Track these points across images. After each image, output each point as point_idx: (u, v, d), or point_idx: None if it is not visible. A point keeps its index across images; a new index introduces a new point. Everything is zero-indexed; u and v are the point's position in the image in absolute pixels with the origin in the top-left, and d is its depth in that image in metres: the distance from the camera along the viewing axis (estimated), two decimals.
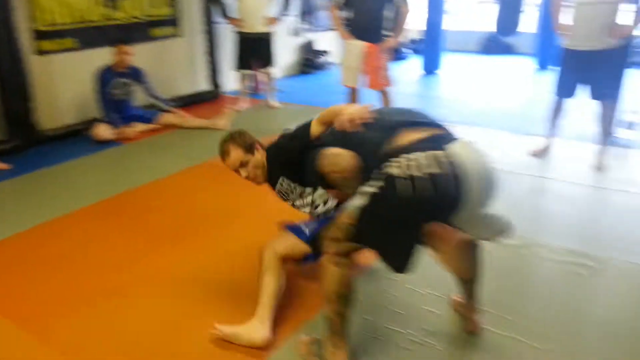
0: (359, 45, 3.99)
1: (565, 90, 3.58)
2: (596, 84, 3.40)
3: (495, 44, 8.41)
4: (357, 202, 1.59)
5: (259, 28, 4.99)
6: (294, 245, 2.08)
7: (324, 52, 7.38)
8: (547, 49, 7.01)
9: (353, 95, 4.31)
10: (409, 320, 1.98)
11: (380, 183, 1.53)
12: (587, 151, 3.71)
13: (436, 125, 1.67)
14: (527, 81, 6.61)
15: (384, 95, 4.16)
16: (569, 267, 2.32)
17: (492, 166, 1.56)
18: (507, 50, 8.36)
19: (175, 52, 5.51)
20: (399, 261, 1.61)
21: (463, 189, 1.47)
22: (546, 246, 2.48)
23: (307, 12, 7.26)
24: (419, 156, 1.48)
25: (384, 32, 3.99)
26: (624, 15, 3.27)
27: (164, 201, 3.16)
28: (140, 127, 4.47)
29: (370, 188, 1.55)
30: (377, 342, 1.88)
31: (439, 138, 1.57)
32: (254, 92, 5.93)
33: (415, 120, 1.69)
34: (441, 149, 1.50)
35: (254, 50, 5.09)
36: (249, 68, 5.22)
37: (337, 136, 1.78)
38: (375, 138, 1.64)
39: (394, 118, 1.73)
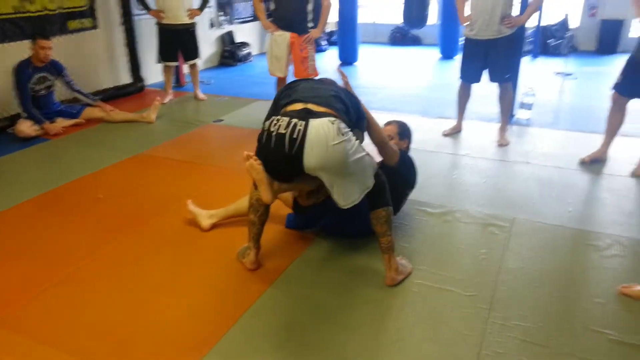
0: (285, 35, 4.18)
1: (469, 76, 4.02)
2: (495, 69, 3.86)
3: (403, 36, 8.95)
4: None
5: (182, 19, 5.00)
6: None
7: (244, 44, 7.47)
8: (449, 40, 7.65)
9: (281, 85, 4.49)
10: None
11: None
12: (491, 130, 4.21)
13: (325, 104, 2.06)
14: (433, 69, 7.16)
15: None
16: (485, 227, 2.70)
17: (337, 143, 1.94)
18: (415, 41, 8.94)
19: (93, 45, 5.36)
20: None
21: (298, 150, 1.93)
22: (465, 212, 2.86)
23: (225, 4, 7.30)
24: (283, 119, 1.98)
25: (308, 24, 4.21)
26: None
27: (105, 192, 3.17)
28: (64, 122, 4.35)
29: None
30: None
31: (311, 112, 2.00)
32: (177, 85, 5.94)
33: (307, 96, 2.11)
34: (304, 119, 1.95)
35: (178, 42, 5.11)
36: (173, 60, 5.22)
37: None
38: (280, 105, 2.15)
39: (300, 92, 2.16)
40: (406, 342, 1.90)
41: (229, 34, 7.36)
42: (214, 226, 2.71)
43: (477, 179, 3.33)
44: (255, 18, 8.08)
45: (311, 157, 1.95)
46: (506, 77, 3.87)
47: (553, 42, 7.75)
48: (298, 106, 2.07)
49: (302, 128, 1.95)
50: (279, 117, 2.03)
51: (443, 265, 2.36)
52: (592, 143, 3.81)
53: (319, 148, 1.94)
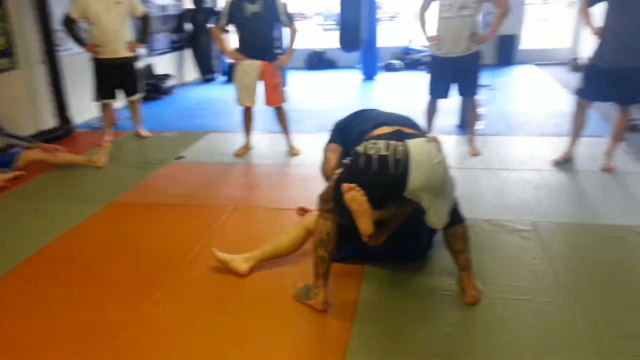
0: (255, 64, 4.03)
1: (438, 92, 4.19)
2: (465, 84, 4.07)
3: (319, 60, 9.13)
4: (339, 170, 2.08)
5: (121, 53, 4.59)
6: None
7: (166, 76, 7.06)
8: (370, 62, 7.96)
9: (247, 115, 4.31)
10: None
11: (351, 157, 2.02)
12: (456, 141, 4.41)
13: (408, 125, 2.11)
14: (361, 90, 7.36)
15: (279, 111, 4.26)
16: (515, 234, 2.78)
17: (439, 161, 1.95)
18: (331, 65, 9.16)
19: (12, 86, 4.70)
20: (350, 218, 1.96)
21: (403, 171, 1.89)
22: (489, 221, 2.91)
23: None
24: (380, 142, 1.94)
25: (276, 51, 4.10)
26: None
27: (96, 251, 2.74)
28: (2, 175, 3.72)
29: (346, 161, 2.06)
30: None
31: (403, 134, 2.01)
32: (112, 124, 5.43)
33: (392, 119, 2.15)
34: (401, 140, 1.94)
35: (117, 78, 4.66)
36: (111, 97, 4.75)
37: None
38: (363, 130, 2.14)
39: (382, 117, 2.21)
40: (521, 351, 1.87)
41: (149, 67, 6.93)
42: (251, 270, 2.47)
43: (476, 189, 3.44)
44: (173, 48, 7.72)
45: (417, 177, 1.89)
46: (474, 90, 4.09)
47: None
48: (387, 129, 2.01)
49: (403, 149, 1.88)
50: (374, 140, 1.94)
51: (503, 276, 2.38)
52: (550, 145, 4.16)
53: (424, 167, 1.89)
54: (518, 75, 7.89)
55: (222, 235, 2.88)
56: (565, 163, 3.81)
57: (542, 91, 6.69)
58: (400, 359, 1.89)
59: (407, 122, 2.21)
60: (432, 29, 4.04)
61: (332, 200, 2.05)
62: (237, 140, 4.59)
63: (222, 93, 7.23)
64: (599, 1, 3.55)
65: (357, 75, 8.15)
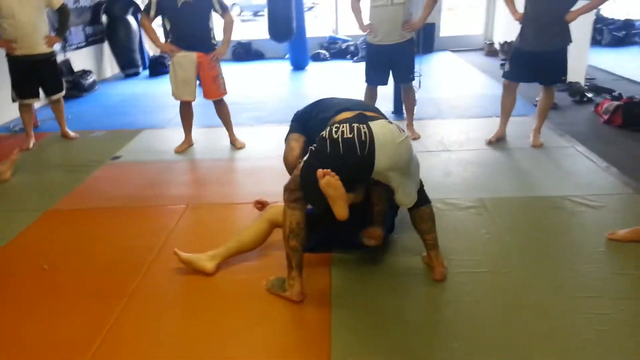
0: (190, 56, 3.89)
1: (375, 79, 4.28)
2: (400, 71, 4.20)
3: (246, 52, 8.97)
4: (305, 158, 2.06)
5: (39, 48, 4.24)
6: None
7: (86, 72, 6.63)
8: (299, 52, 7.95)
9: (187, 109, 4.17)
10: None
11: (316, 144, 2.03)
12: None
13: (369, 109, 2.17)
14: (293, 80, 7.35)
15: (220, 103, 4.16)
16: (466, 211, 2.93)
17: (402, 140, 2.01)
18: (258, 56, 9.04)
19: None
20: (323, 204, 1.97)
21: (370, 151, 1.92)
22: (441, 200, 3.01)
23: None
24: (344, 125, 1.97)
25: (212, 41, 3.99)
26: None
27: (45, 261, 2.55)
28: None
29: (312, 147, 2.05)
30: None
31: (365, 117, 2.05)
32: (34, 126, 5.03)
33: (353, 105, 2.23)
34: (364, 122, 1.98)
35: (36, 75, 4.32)
36: (32, 96, 4.39)
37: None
38: (325, 118, 2.19)
39: (342, 104, 2.26)
40: (490, 317, 1.99)
41: (66, 63, 6.47)
42: (218, 267, 2.42)
43: (421, 171, 3.54)
44: (90, 42, 7.26)
45: (383, 157, 1.94)
46: (410, 77, 4.23)
47: None
48: (349, 114, 2.05)
49: (366, 130, 1.93)
50: (337, 124, 1.96)
51: (462, 252, 2.50)
52: (481, 126, 4.42)
53: (388, 147, 1.94)
54: (439, 62, 8.23)
55: (180, 235, 2.79)
56: (498, 142, 4.06)
57: (464, 76, 7.04)
58: (382, 336, 1.94)
59: (367, 106, 2.27)
60: (366, 18, 4.13)
61: (300, 190, 2.05)
62: (175, 136, 4.43)
63: (148, 88, 6.92)
64: None
65: (286, 65, 8.13)
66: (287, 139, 2.57)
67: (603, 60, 6.95)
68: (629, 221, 2.62)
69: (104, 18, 7.55)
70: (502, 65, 7.28)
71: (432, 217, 2.24)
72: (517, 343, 1.88)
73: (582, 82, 5.56)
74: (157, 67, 7.70)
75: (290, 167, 2.48)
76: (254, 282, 2.29)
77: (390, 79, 4.29)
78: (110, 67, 7.91)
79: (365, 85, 4.35)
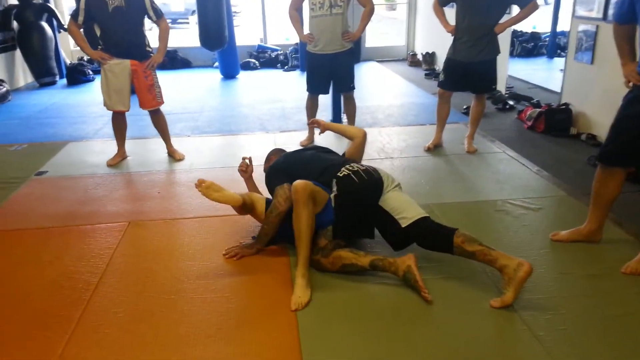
0: (124, 64, 3.69)
1: (317, 87, 4.30)
2: (341, 80, 4.24)
3: (172, 60, 8.66)
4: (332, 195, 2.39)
5: None
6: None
7: None
8: (230, 60, 7.81)
9: (120, 120, 3.93)
10: None
11: (338, 185, 2.39)
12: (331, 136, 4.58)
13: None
14: (225, 89, 7.20)
15: (156, 113, 3.97)
16: None
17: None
18: (185, 65, 8.76)
19: None
20: (368, 231, 2.48)
21: (379, 175, 2.48)
22: None
23: None
24: (349, 167, 2.47)
25: (147, 48, 3.80)
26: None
27: None
28: None
29: (334, 188, 2.39)
30: None
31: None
32: None
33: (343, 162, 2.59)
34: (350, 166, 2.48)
35: None
36: None
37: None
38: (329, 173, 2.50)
39: (333, 166, 2.55)
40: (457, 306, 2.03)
41: None
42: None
43: None
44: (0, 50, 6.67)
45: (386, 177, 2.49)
46: (351, 85, 4.28)
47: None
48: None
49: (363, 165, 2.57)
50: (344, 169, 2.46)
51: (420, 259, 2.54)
52: (418, 133, 4.57)
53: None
54: (367, 72, 8.43)
55: (124, 256, 2.60)
56: (435, 149, 4.20)
57: (392, 85, 7.26)
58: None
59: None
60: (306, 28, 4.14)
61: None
62: (106, 148, 4.17)
63: (68, 97, 6.47)
64: (450, 2, 3.97)
65: (216, 74, 7.95)
66: (279, 190, 2.44)
67: (517, 69, 7.46)
68: (568, 222, 2.79)
69: (14, 24, 6.99)
70: (427, 75, 7.68)
71: (470, 235, 2.28)
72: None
73: (503, 91, 5.92)
74: (75, 76, 7.24)
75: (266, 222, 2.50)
76: (216, 301, 2.19)
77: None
78: (24, 75, 7.33)
79: (306, 94, 4.36)
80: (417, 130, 4.77)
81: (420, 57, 8.67)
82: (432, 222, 2.33)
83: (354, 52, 4.25)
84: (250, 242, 2.60)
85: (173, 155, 4.05)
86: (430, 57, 8.34)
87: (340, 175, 2.42)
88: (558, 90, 5.11)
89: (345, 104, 4.44)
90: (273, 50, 8.96)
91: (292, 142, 4.39)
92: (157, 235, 2.83)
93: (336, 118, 5.09)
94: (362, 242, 2.61)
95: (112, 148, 4.05)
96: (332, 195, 2.38)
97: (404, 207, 2.37)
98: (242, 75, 8.05)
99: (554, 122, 4.64)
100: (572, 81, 4.76)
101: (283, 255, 2.55)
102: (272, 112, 5.56)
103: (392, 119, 5.29)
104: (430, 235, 2.30)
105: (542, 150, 4.20)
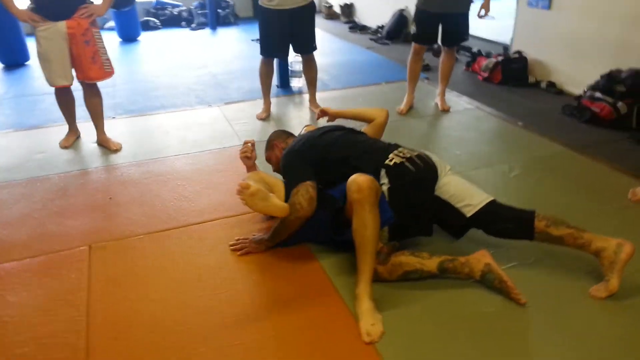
0: (57, 27, 2.88)
1: (273, 49, 3.66)
2: (301, 40, 3.64)
3: None
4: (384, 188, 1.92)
5: None
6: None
7: None
8: (129, 21, 6.74)
9: (65, 96, 3.18)
10: None
11: (394, 173, 1.95)
12: (289, 103, 4.08)
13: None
14: (130, 54, 6.17)
15: (92, 89, 3.16)
16: None
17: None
18: None
19: None
20: (427, 227, 2.04)
21: (431, 160, 2.06)
22: None
23: None
24: (400, 152, 2.04)
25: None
26: None
27: None
28: None
29: (389, 179, 1.94)
30: None
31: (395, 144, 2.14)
32: None
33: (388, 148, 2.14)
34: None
35: None
36: None
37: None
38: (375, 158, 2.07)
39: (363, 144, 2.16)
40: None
41: None
42: None
43: None
44: None
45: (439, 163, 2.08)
46: (313, 46, 3.71)
47: (221, 12, 7.80)
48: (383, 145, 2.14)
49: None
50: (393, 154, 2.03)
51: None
52: (377, 93, 4.20)
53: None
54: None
55: (106, 295, 1.92)
56: (409, 110, 3.84)
57: (320, 41, 6.69)
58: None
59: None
60: None
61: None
62: (11, 143, 3.24)
63: None
64: None
65: (113, 37, 6.80)
66: (301, 188, 1.95)
67: None
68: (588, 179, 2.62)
69: None
70: (352, 28, 7.21)
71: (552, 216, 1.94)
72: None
73: None
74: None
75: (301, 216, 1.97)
76: (254, 350, 1.66)
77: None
78: None
79: (260, 58, 3.72)
80: (375, 91, 4.37)
81: (337, 9, 8.18)
82: (502, 207, 1.98)
83: (315, 7, 3.65)
84: (260, 236, 2.16)
85: (106, 145, 3.24)
86: (348, 9, 7.89)
87: (391, 163, 1.96)
88: (505, 40, 4.96)
89: (305, 68, 3.86)
90: (174, 6, 7.90)
91: (246, 117, 3.78)
92: (134, 259, 2.15)
93: (284, 83, 4.51)
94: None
95: (22, 139, 3.15)
96: (385, 189, 1.91)
97: (466, 194, 1.98)
98: (144, 37, 7.00)
99: (511, 71, 4.50)
100: (524, 28, 4.63)
101: (308, 260, 2.07)
102: (203, 81, 4.80)
103: (343, 78, 4.82)
104: (503, 221, 1.95)
105: (511, 102, 4.02)
